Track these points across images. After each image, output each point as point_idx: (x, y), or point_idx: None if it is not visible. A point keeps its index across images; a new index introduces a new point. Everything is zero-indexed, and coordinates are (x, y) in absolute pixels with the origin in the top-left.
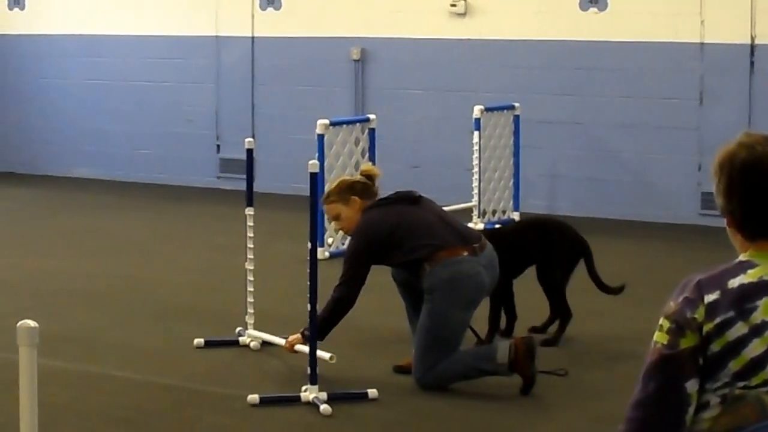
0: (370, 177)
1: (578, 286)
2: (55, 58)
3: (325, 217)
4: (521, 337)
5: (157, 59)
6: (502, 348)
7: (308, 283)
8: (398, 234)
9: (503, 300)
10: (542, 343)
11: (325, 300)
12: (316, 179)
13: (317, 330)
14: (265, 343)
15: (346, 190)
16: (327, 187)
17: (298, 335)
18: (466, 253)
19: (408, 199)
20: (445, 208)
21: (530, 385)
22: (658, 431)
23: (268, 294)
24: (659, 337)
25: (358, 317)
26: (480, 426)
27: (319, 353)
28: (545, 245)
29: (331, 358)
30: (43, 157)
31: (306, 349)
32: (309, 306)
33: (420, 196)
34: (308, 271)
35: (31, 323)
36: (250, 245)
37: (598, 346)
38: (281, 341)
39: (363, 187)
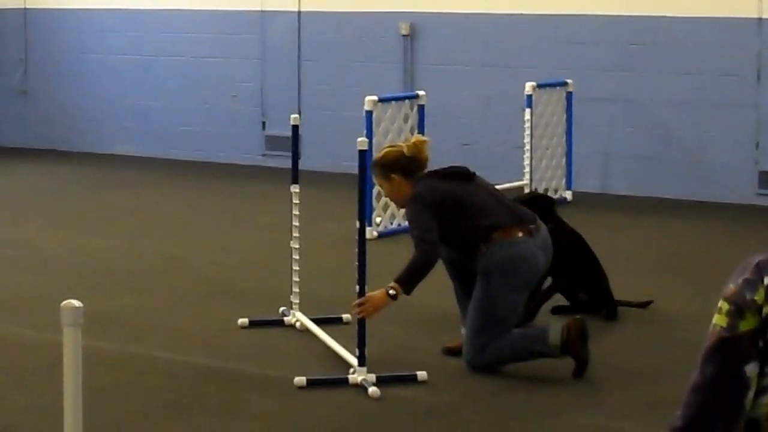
0: (418, 150)
1: (630, 267)
2: (97, 33)
3: (374, 196)
4: (573, 319)
5: (201, 34)
6: (554, 330)
7: (356, 263)
8: (450, 206)
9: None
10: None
11: (373, 282)
12: (365, 157)
13: (406, 281)
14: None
15: (390, 166)
16: (375, 155)
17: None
18: (521, 234)
19: (461, 176)
20: (496, 187)
21: (583, 367)
22: (717, 416)
23: (313, 274)
24: (718, 320)
25: (405, 298)
26: (531, 409)
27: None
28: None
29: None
30: (85, 135)
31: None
32: (357, 287)
33: (473, 174)
34: (356, 250)
35: (76, 303)
36: (296, 223)
37: (652, 328)
38: (323, 334)
39: (407, 163)
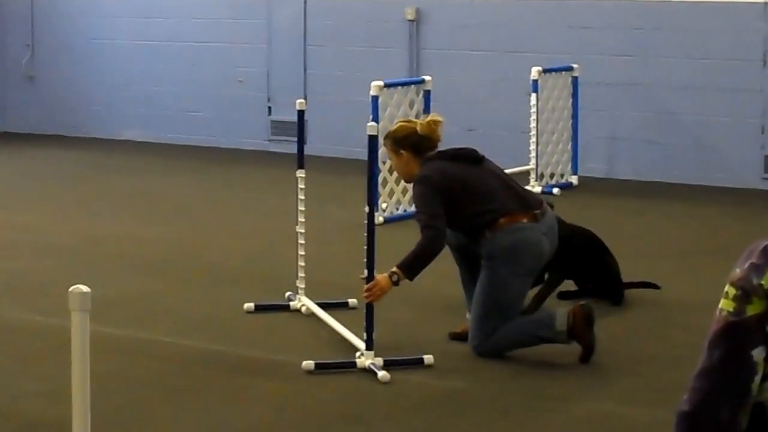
0: (432, 130)
1: (636, 251)
2: (103, 18)
3: (379, 182)
4: (579, 304)
5: (207, 19)
6: (561, 315)
7: (365, 247)
8: (457, 190)
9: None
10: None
11: (379, 267)
12: (374, 141)
13: (409, 268)
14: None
15: (401, 141)
16: (391, 126)
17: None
18: (526, 220)
19: (470, 159)
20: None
21: (589, 353)
22: (724, 401)
23: (319, 259)
24: (725, 305)
25: (412, 283)
26: (537, 394)
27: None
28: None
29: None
30: (92, 120)
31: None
32: (366, 271)
33: (482, 157)
34: (365, 234)
35: (84, 288)
36: (301, 208)
37: (658, 314)
38: (330, 318)
39: (418, 141)
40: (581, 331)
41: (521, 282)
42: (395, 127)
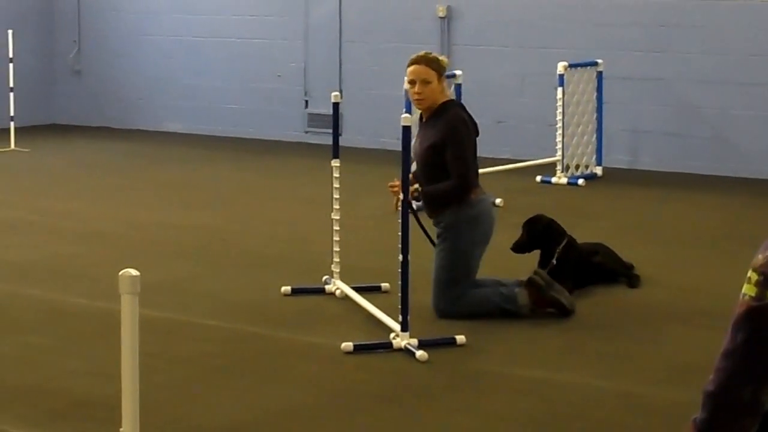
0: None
1: (658, 239)
2: (147, 15)
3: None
4: (528, 284)
5: (247, 16)
6: (521, 291)
7: (399, 233)
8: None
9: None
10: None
11: (415, 253)
12: (408, 132)
13: (429, 194)
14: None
15: (441, 66)
16: (420, 54)
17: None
18: (480, 193)
19: (476, 130)
20: (528, 163)
21: (564, 309)
22: (746, 382)
23: (353, 246)
24: (747, 290)
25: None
26: (562, 373)
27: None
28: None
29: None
30: (136, 112)
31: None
32: (401, 256)
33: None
34: (399, 221)
35: (133, 272)
36: (336, 196)
37: (682, 299)
38: (363, 301)
39: (444, 72)
40: (542, 301)
41: (481, 248)
42: (440, 57)
